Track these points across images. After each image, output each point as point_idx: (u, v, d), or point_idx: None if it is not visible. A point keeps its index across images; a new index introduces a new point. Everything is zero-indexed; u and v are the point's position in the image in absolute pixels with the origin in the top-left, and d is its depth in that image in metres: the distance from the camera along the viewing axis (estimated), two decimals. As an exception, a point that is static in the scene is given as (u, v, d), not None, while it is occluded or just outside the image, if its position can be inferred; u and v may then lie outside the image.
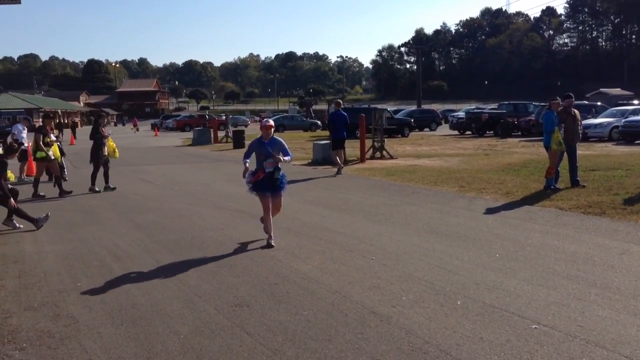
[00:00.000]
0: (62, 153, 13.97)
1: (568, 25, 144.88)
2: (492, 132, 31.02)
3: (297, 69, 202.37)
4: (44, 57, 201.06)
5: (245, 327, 4.40)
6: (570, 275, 5.48)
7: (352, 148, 19.06)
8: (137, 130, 57.55)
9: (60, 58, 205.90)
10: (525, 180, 12.03)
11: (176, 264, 6.33)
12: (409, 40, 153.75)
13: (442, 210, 9.20)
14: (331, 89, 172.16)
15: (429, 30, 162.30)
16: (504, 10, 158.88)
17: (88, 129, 35.89)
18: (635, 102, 34.98)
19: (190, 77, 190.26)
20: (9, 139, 14.66)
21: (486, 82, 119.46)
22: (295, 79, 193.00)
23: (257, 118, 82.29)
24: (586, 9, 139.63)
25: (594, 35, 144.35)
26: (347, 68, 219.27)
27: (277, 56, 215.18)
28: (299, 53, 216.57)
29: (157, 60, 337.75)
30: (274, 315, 4.64)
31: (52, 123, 13.47)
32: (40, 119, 14.05)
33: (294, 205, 9.63)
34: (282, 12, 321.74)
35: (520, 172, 13.50)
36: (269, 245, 6.92)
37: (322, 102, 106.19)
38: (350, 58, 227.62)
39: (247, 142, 26.12)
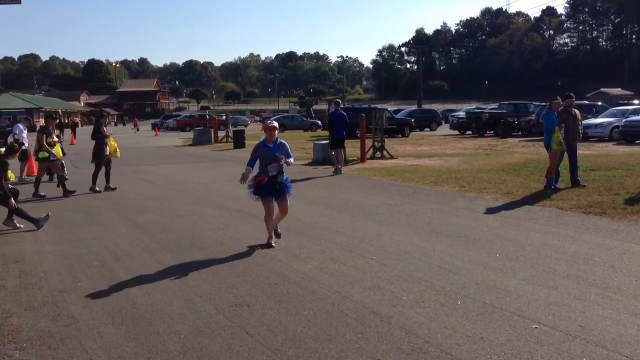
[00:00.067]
0: (62, 153, 13.96)
1: (568, 25, 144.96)
2: (492, 132, 31.02)
3: (297, 68, 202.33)
4: (45, 57, 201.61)
5: (246, 327, 4.40)
6: (571, 275, 5.48)
7: (352, 148, 19.07)
8: (138, 130, 57.56)
9: (61, 58, 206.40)
10: (525, 180, 12.03)
11: (176, 264, 6.33)
12: (409, 40, 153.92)
13: (443, 210, 9.20)
14: (331, 89, 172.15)
15: (429, 30, 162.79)
16: (504, 10, 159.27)
17: (88, 128, 35.96)
18: (636, 101, 34.99)
19: (191, 77, 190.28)
20: (10, 139, 14.67)
21: (486, 82, 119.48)
22: (296, 78, 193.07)
23: (258, 118, 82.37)
24: (586, 9, 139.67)
25: (594, 35, 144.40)
26: (347, 68, 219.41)
27: (278, 56, 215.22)
28: (299, 53, 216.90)
29: (158, 60, 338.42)
30: (274, 315, 4.64)
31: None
32: (42, 119, 14.07)
33: (294, 205, 9.57)
34: (282, 12, 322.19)
35: (520, 172, 13.49)
36: (269, 245, 6.92)
37: (322, 102, 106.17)
38: (350, 58, 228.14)
39: (247, 142, 26.24)
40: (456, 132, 34.12)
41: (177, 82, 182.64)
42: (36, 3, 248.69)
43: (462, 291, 5.09)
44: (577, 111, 10.98)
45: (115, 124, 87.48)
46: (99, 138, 12.41)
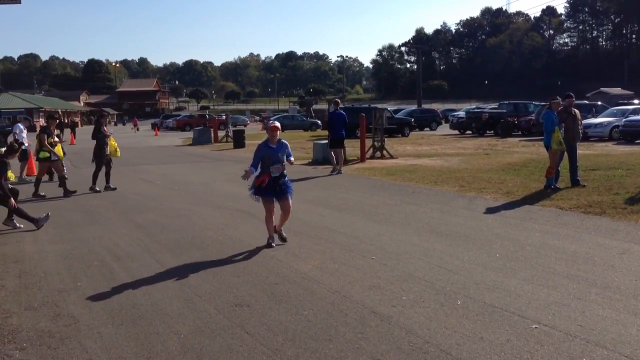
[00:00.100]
0: (62, 152, 13.97)
1: (568, 24, 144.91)
2: (492, 131, 31.02)
3: (297, 68, 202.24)
4: (44, 57, 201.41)
5: (246, 327, 4.40)
6: (571, 275, 5.48)
7: (352, 147, 19.08)
8: (138, 129, 57.55)
9: (61, 58, 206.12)
10: (525, 179, 12.03)
11: (176, 263, 6.33)
12: (409, 40, 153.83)
13: (443, 210, 9.20)
14: (331, 89, 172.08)
15: (429, 30, 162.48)
16: (504, 9, 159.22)
17: (88, 128, 35.93)
18: (636, 101, 35.00)
19: (191, 76, 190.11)
20: (10, 139, 14.67)
21: (486, 82, 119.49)
22: (296, 78, 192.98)
23: (258, 118, 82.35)
24: (586, 9, 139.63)
25: (594, 34, 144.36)
26: (347, 68, 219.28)
27: (278, 56, 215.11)
28: (299, 53, 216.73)
29: (158, 60, 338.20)
30: (274, 315, 4.64)
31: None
32: (42, 119, 14.09)
33: (294, 205, 9.56)
34: (282, 12, 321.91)
35: (520, 171, 13.50)
36: (268, 245, 6.92)
37: (322, 102, 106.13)
38: (350, 58, 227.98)
39: (247, 142, 26.25)
40: (456, 131, 34.11)
41: (177, 82, 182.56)
42: (36, 3, 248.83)
43: (462, 291, 5.09)
44: (577, 111, 10.98)
45: (115, 124, 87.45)
46: (100, 138, 12.42)
